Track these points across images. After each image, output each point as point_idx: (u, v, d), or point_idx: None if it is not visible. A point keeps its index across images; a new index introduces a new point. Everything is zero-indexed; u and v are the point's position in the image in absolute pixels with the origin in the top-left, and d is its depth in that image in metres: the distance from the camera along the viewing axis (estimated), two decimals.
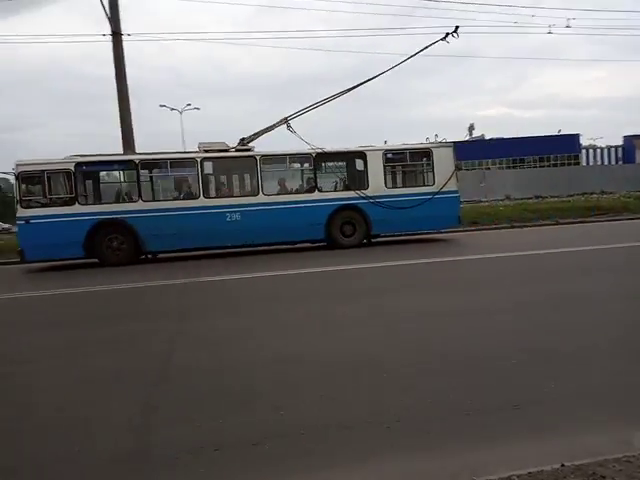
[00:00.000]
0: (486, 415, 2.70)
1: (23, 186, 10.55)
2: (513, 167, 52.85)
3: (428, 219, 11.69)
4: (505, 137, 58.32)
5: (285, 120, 11.96)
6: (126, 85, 13.91)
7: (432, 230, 12.44)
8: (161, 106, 39.86)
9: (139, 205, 11.01)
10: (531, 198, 28.33)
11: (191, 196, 11.32)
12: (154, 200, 11.24)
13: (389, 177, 12.09)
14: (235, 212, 11.21)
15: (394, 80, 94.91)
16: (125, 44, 14.02)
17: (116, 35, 13.77)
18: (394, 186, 12.10)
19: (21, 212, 10.43)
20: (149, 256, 11.49)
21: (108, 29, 13.75)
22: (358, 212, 11.59)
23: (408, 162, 12.32)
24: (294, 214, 11.30)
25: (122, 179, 11.83)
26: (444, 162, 11.94)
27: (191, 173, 11.38)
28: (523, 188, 33.48)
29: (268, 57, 79.18)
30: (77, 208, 10.63)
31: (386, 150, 12.29)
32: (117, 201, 11.21)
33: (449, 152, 12.10)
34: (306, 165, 12.03)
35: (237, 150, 11.81)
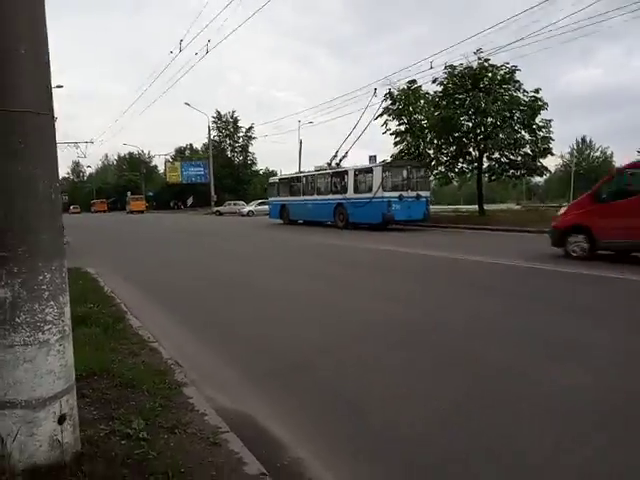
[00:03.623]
0: None
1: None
2: None
3: (369, 216, 18.32)
4: None
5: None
6: None
7: (371, 224, 18.35)
8: None
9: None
10: None
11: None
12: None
13: (355, 186, 19.04)
14: (308, 204, 21.96)
15: None
16: None
17: None
18: (356, 192, 18.88)
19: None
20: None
21: None
22: (343, 208, 19.51)
23: (364, 176, 18.34)
24: (324, 206, 20.74)
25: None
26: (379, 177, 17.48)
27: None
28: None
29: None
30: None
31: (355, 168, 18.93)
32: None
33: (379, 170, 17.38)
34: (326, 179, 20.76)
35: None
